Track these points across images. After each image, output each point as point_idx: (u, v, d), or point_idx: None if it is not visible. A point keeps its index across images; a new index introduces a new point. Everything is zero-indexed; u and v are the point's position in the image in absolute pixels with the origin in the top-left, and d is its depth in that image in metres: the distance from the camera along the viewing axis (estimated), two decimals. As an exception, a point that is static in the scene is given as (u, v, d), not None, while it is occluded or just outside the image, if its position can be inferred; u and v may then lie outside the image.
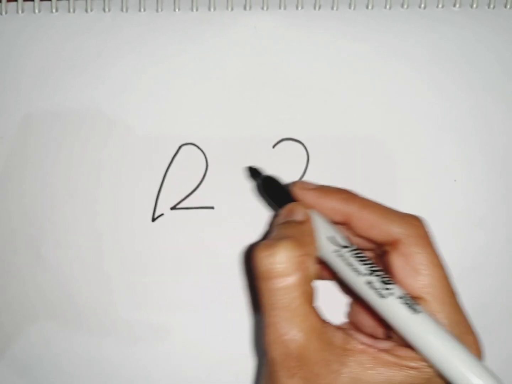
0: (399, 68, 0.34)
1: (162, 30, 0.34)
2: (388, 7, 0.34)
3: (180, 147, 0.34)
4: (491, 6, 0.34)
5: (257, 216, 0.34)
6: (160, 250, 0.34)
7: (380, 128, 0.33)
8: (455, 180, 0.33)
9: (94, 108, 0.34)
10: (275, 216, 0.28)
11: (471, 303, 0.25)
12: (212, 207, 0.34)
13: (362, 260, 0.24)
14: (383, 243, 0.25)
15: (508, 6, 0.34)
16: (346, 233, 0.26)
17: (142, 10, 0.34)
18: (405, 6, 0.34)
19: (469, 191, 0.33)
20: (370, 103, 0.33)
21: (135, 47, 0.34)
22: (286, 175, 0.33)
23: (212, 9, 0.34)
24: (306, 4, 0.34)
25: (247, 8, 0.34)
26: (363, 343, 0.23)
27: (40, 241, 0.34)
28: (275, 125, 0.34)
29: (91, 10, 0.34)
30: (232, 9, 0.34)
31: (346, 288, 0.30)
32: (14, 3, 0.34)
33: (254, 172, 0.32)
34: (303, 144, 0.34)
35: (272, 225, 0.28)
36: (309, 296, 0.23)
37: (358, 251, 0.24)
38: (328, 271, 0.27)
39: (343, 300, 0.32)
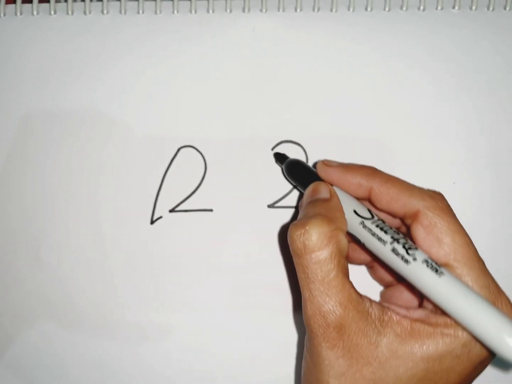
0: (398, 70, 0.33)
1: (161, 33, 0.34)
2: (387, 9, 0.34)
3: (178, 150, 0.34)
4: (491, 8, 0.34)
5: (256, 218, 0.33)
6: (159, 252, 0.34)
7: (379, 130, 0.33)
8: (454, 183, 0.33)
9: (92, 110, 0.34)
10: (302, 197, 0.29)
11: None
12: (211, 210, 0.34)
13: (385, 229, 0.25)
14: (405, 216, 0.25)
15: (507, 8, 0.34)
16: (369, 207, 0.27)
17: (140, 12, 0.34)
18: (404, 8, 0.34)
19: (468, 193, 0.33)
20: (369, 105, 0.33)
21: (134, 49, 0.34)
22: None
23: (210, 11, 0.34)
24: (305, 6, 0.34)
25: (246, 10, 0.34)
26: (398, 314, 0.23)
27: (39, 242, 0.34)
28: (274, 127, 0.34)
29: (90, 13, 0.34)
30: (230, 11, 0.34)
31: (376, 273, 0.31)
32: (13, 5, 0.34)
33: (280, 157, 0.32)
34: (302, 146, 0.34)
35: (300, 206, 0.28)
36: (343, 268, 0.24)
37: (381, 222, 0.25)
38: (358, 248, 0.29)
39: (375, 288, 0.32)
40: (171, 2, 0.34)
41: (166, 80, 0.34)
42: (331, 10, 0.34)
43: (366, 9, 0.34)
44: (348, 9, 0.34)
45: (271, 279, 0.34)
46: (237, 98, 0.34)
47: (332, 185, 0.28)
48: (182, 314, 0.34)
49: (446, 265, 0.23)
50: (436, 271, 0.23)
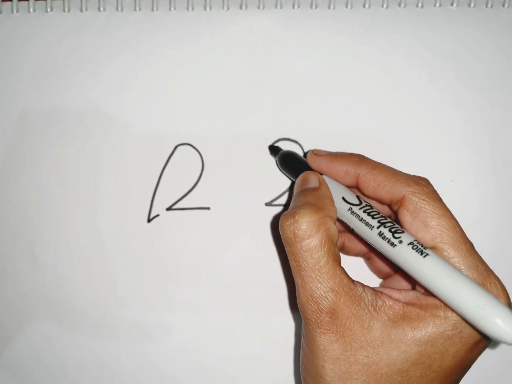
0: (396, 68, 0.33)
1: (158, 30, 0.34)
2: (385, 6, 0.33)
3: (176, 147, 0.34)
4: (489, 5, 0.33)
5: (253, 216, 0.33)
6: (156, 251, 0.34)
7: (377, 127, 0.33)
8: (452, 181, 0.33)
9: (89, 108, 0.34)
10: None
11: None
12: (208, 208, 0.34)
13: (372, 214, 0.25)
14: (392, 202, 0.26)
15: (506, 5, 0.33)
16: (357, 193, 0.28)
17: (137, 9, 0.34)
18: (402, 5, 0.33)
19: (466, 191, 0.33)
20: (367, 103, 0.33)
21: (131, 47, 0.34)
22: (283, 175, 0.33)
23: (208, 8, 0.34)
24: (302, 3, 0.34)
25: (243, 7, 0.34)
26: (391, 298, 0.24)
27: (35, 241, 0.34)
28: (272, 125, 0.33)
29: (86, 10, 0.34)
30: (228, 8, 0.34)
31: (374, 265, 0.32)
32: (9, 2, 0.34)
33: (274, 150, 0.33)
34: (299, 144, 0.33)
35: (293, 196, 0.29)
36: (333, 255, 0.24)
37: (369, 207, 0.26)
38: (353, 238, 0.30)
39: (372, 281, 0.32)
40: (168, -1, 0.34)
41: (163, 77, 0.34)
42: (329, 7, 0.33)
43: (364, 6, 0.33)
44: (346, 6, 0.33)
45: (269, 277, 0.33)
46: (234, 96, 0.34)
47: (322, 174, 0.28)
48: (179, 312, 0.34)
49: (433, 248, 0.24)
50: (422, 252, 0.23)
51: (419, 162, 0.33)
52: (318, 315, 0.24)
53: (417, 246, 0.23)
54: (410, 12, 0.33)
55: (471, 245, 0.24)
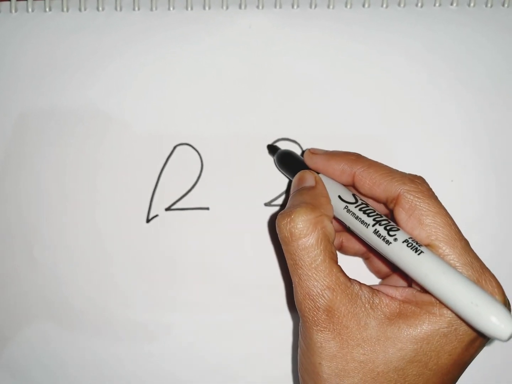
0: (396, 67, 0.33)
1: (157, 29, 0.34)
2: (384, 5, 0.33)
3: (175, 147, 0.34)
4: (489, 4, 0.33)
5: (252, 216, 0.33)
6: (155, 251, 0.33)
7: (376, 127, 0.33)
8: (452, 180, 0.33)
9: (88, 107, 0.34)
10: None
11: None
12: (207, 208, 0.33)
13: (368, 212, 0.25)
14: (387, 200, 0.26)
15: (506, 5, 0.33)
16: (354, 192, 0.28)
17: (136, 9, 0.34)
18: (402, 5, 0.33)
19: (466, 191, 0.33)
20: (366, 102, 0.33)
21: (130, 46, 0.34)
22: (282, 175, 0.33)
23: (207, 8, 0.34)
24: (301, 3, 0.33)
25: (242, 7, 0.33)
26: (387, 295, 0.24)
27: (34, 241, 0.34)
28: (271, 125, 0.33)
29: (85, 9, 0.34)
30: (227, 7, 0.34)
31: (372, 265, 0.32)
32: (7, 2, 0.34)
33: (272, 149, 0.33)
34: (298, 144, 0.33)
35: (289, 195, 0.29)
36: (330, 253, 0.24)
37: (364, 205, 0.26)
38: (351, 238, 0.31)
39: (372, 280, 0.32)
40: (167, -2, 0.34)
41: (162, 77, 0.34)
42: (328, 6, 0.33)
43: (363, 5, 0.33)
44: (346, 6, 0.33)
45: (268, 276, 0.33)
46: (233, 96, 0.33)
47: (318, 172, 0.29)
48: (178, 312, 0.34)
49: (429, 246, 0.24)
50: (416, 250, 0.23)
51: (419, 162, 0.33)
52: (315, 313, 0.24)
53: (412, 244, 0.23)
54: (409, 11, 0.33)
55: (466, 242, 0.24)
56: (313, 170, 0.29)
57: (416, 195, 0.24)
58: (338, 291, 0.24)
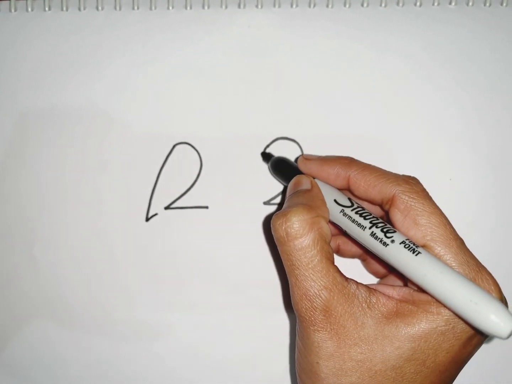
0: (394, 67, 0.33)
1: (156, 29, 0.34)
2: (383, 5, 0.33)
3: (174, 146, 0.34)
4: (487, 4, 0.33)
5: (251, 215, 0.33)
6: (154, 250, 0.34)
7: (375, 126, 0.33)
8: (450, 179, 0.33)
9: (88, 107, 0.34)
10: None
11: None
12: (207, 207, 0.34)
13: (364, 215, 0.26)
14: (382, 202, 0.26)
15: (504, 4, 0.33)
16: (349, 196, 0.28)
17: (135, 8, 0.34)
18: (401, 4, 0.33)
19: (465, 190, 0.33)
20: (365, 102, 0.33)
21: (129, 45, 0.34)
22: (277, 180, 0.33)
23: (206, 7, 0.34)
24: (300, 2, 0.34)
25: (242, 6, 0.34)
26: (384, 295, 0.24)
27: (34, 241, 0.34)
28: (270, 124, 0.33)
29: (84, 8, 0.34)
30: (226, 7, 0.34)
31: (370, 266, 0.32)
32: (7, 1, 0.34)
33: (266, 156, 0.33)
34: (297, 143, 0.33)
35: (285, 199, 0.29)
36: (327, 253, 0.24)
37: (360, 208, 0.26)
38: (348, 241, 0.31)
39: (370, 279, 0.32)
40: (166, -2, 0.34)
41: (161, 76, 0.34)
42: (327, 6, 0.33)
43: (362, 5, 0.33)
44: (344, 5, 0.33)
45: (267, 275, 0.33)
46: (232, 95, 0.34)
47: (313, 178, 0.29)
48: (177, 311, 0.34)
49: (424, 246, 0.24)
50: (414, 251, 0.23)
51: (417, 161, 0.33)
52: (312, 313, 0.24)
53: (409, 245, 0.23)
54: (408, 11, 0.33)
55: (461, 241, 0.24)
56: (308, 175, 0.29)
57: (411, 196, 0.25)
58: (335, 291, 0.24)
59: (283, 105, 0.33)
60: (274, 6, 0.34)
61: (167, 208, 0.34)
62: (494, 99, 0.33)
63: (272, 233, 0.25)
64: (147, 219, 0.34)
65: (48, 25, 0.34)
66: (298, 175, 0.29)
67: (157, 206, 0.34)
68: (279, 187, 0.33)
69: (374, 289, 0.24)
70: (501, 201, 0.33)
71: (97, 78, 0.34)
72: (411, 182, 0.25)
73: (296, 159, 0.32)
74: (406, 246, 0.23)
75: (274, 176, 0.33)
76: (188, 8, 0.34)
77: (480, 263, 0.24)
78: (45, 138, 0.34)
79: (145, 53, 0.34)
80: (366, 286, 0.25)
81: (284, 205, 0.27)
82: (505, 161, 0.33)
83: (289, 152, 0.33)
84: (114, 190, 0.34)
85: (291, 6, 0.34)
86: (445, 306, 0.22)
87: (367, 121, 0.33)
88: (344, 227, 0.27)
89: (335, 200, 0.27)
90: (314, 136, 0.33)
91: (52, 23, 0.34)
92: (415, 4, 0.33)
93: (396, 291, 0.25)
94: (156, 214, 0.34)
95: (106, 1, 0.34)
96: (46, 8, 0.34)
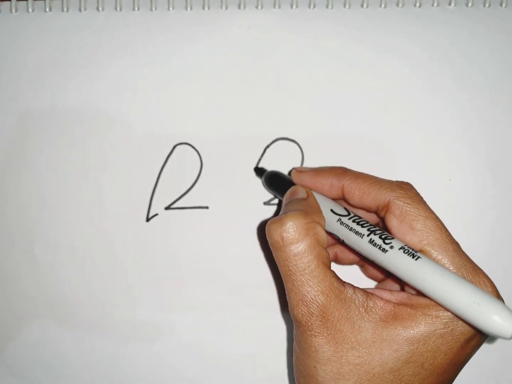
0: (394, 67, 0.33)
1: (156, 29, 0.34)
2: (383, 5, 0.33)
3: (174, 147, 0.34)
4: (487, 4, 0.33)
5: (251, 215, 0.34)
6: (155, 250, 0.34)
7: (374, 127, 0.33)
8: (449, 179, 0.33)
9: (88, 108, 0.34)
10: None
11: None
12: (207, 207, 0.34)
13: (362, 223, 0.26)
14: (378, 208, 0.26)
15: (503, 5, 0.33)
16: (344, 205, 0.28)
17: (136, 9, 0.34)
18: (400, 5, 0.33)
19: (464, 190, 0.33)
20: (365, 102, 0.33)
21: (129, 46, 0.34)
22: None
23: (206, 8, 0.34)
24: (300, 3, 0.34)
25: (242, 7, 0.34)
26: (382, 298, 0.24)
27: (35, 241, 0.34)
28: (270, 125, 0.34)
29: (85, 9, 0.34)
30: (226, 8, 0.34)
31: (368, 271, 0.32)
32: (8, 2, 0.34)
33: (259, 171, 0.33)
34: (297, 144, 0.34)
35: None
36: (323, 258, 0.24)
37: (357, 217, 0.26)
38: (346, 250, 0.31)
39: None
40: (166, -1, 0.34)
41: (161, 77, 0.34)
42: (327, 7, 0.34)
43: (362, 6, 0.33)
44: (344, 6, 0.34)
45: (267, 276, 0.34)
46: (233, 95, 0.34)
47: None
48: (178, 311, 0.34)
49: (421, 251, 0.24)
50: (413, 255, 0.23)
51: (417, 161, 0.33)
52: (308, 318, 0.24)
53: (408, 250, 0.23)
54: (408, 11, 0.34)
55: (457, 245, 0.24)
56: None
57: (406, 201, 0.25)
58: (331, 296, 0.24)
59: (283, 106, 0.33)
60: (274, 6, 0.34)
61: (167, 208, 0.34)
62: (493, 100, 0.33)
63: (267, 238, 0.25)
64: (148, 219, 0.34)
65: (48, 26, 0.34)
66: (293, 186, 0.29)
67: (158, 206, 0.34)
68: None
69: (372, 293, 0.25)
70: (500, 201, 0.33)
71: (98, 79, 0.34)
72: (405, 187, 0.26)
73: (290, 172, 0.32)
74: (406, 251, 0.23)
75: (268, 190, 0.33)
76: (189, 9, 0.34)
77: (476, 266, 0.24)
78: (45, 139, 0.34)
79: (146, 53, 0.34)
80: (363, 290, 0.25)
81: (280, 214, 0.27)
82: (504, 161, 0.33)
83: (289, 153, 0.33)
84: (114, 190, 0.34)
85: (291, 6, 0.34)
86: (446, 308, 0.23)
87: (367, 121, 0.33)
88: (341, 236, 0.27)
89: (331, 210, 0.27)
90: (314, 137, 0.33)
91: (52, 24, 0.34)
92: (415, 5, 0.34)
93: (394, 295, 0.25)
94: (156, 214, 0.34)
95: (107, 2, 0.34)
96: (47, 9, 0.34)
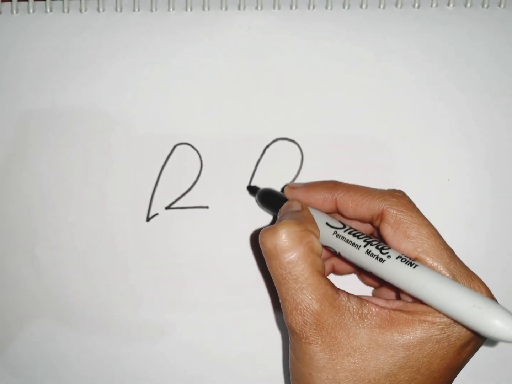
0: (393, 68, 0.34)
1: (156, 30, 0.34)
2: (382, 6, 0.34)
3: (174, 147, 0.34)
4: (485, 5, 0.34)
5: (251, 215, 0.34)
6: (155, 250, 0.34)
7: (373, 127, 0.33)
8: (448, 179, 0.33)
9: (88, 108, 0.34)
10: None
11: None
12: (207, 207, 0.34)
13: (358, 235, 0.26)
14: (372, 218, 0.26)
15: (502, 6, 0.34)
16: (339, 218, 0.28)
17: (136, 10, 0.34)
18: (399, 6, 0.34)
19: (463, 190, 0.33)
20: (364, 103, 0.33)
21: (129, 47, 0.34)
22: (280, 174, 0.34)
23: (206, 9, 0.34)
24: (300, 4, 0.34)
25: (241, 7, 0.34)
26: (377, 305, 0.24)
27: (36, 241, 0.34)
28: (270, 125, 0.34)
29: (85, 10, 0.34)
30: (226, 8, 0.34)
31: (365, 279, 0.32)
32: (9, 3, 0.34)
33: (252, 189, 0.33)
34: (297, 144, 0.34)
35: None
36: (317, 266, 0.24)
37: (352, 229, 0.27)
38: (342, 262, 0.31)
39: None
40: (166, -1, 0.34)
41: (162, 77, 0.34)
42: (326, 7, 0.34)
43: (361, 6, 0.34)
44: (343, 7, 0.34)
45: (267, 276, 0.34)
46: (232, 96, 0.34)
47: None
48: (178, 311, 0.34)
49: (416, 259, 0.24)
50: (411, 264, 0.23)
51: (416, 162, 0.33)
52: (302, 326, 0.24)
53: (406, 259, 0.24)
54: (406, 12, 0.34)
55: (451, 251, 0.25)
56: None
57: (399, 209, 0.25)
58: (325, 304, 0.24)
59: (283, 106, 0.34)
60: (274, 7, 0.34)
61: (167, 208, 0.34)
62: (492, 100, 0.33)
63: (260, 247, 0.25)
64: (148, 219, 0.34)
65: (49, 26, 0.34)
66: (288, 200, 0.29)
67: (158, 206, 0.34)
68: (279, 187, 0.34)
69: (367, 300, 0.25)
70: (498, 201, 0.33)
71: (98, 79, 0.34)
72: (397, 195, 0.26)
73: (282, 189, 0.32)
74: (403, 260, 0.24)
75: (262, 208, 0.33)
76: (189, 9, 0.34)
77: (471, 272, 0.24)
78: (46, 139, 0.34)
79: (146, 54, 0.34)
80: (358, 297, 0.25)
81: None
82: (502, 161, 0.33)
83: (288, 153, 0.34)
84: (115, 190, 0.34)
85: (291, 7, 0.34)
86: (445, 314, 0.23)
87: (366, 122, 0.33)
88: (337, 249, 0.27)
89: (327, 223, 0.27)
90: (314, 137, 0.34)
91: (53, 25, 0.34)
92: (414, 6, 0.34)
93: (389, 304, 0.25)
94: (156, 214, 0.34)
95: (107, 3, 0.34)
96: (48, 10, 0.34)
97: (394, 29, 0.34)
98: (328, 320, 0.24)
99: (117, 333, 0.34)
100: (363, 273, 0.32)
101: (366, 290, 0.32)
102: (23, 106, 0.34)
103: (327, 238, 0.27)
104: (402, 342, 0.23)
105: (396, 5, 0.34)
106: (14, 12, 0.34)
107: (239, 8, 0.34)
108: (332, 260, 0.31)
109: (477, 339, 0.24)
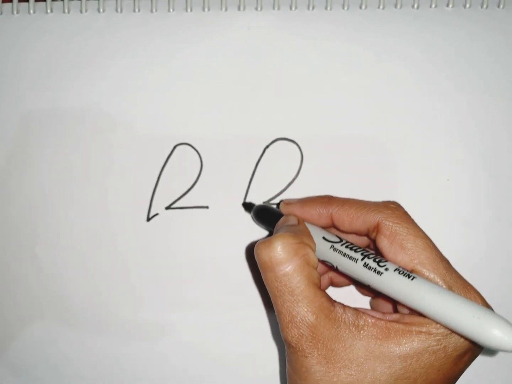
0: (392, 68, 0.34)
1: (156, 31, 0.34)
2: (381, 7, 0.34)
3: (174, 147, 0.34)
4: (484, 6, 0.34)
5: (251, 215, 0.34)
6: (155, 250, 0.34)
7: (373, 127, 0.34)
8: (447, 180, 0.33)
9: (89, 109, 0.34)
10: None
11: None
12: (207, 207, 0.34)
13: (355, 248, 0.26)
14: (368, 231, 0.26)
15: (501, 6, 0.34)
16: (335, 232, 0.28)
17: (136, 10, 0.34)
18: (398, 6, 0.34)
19: (462, 190, 0.33)
20: (364, 103, 0.34)
21: (129, 48, 0.34)
22: (280, 174, 0.34)
23: (206, 10, 0.34)
24: (300, 4, 0.34)
25: (241, 8, 0.34)
26: (373, 317, 0.24)
27: (36, 241, 0.34)
28: (269, 125, 0.34)
29: (86, 11, 0.34)
30: (226, 9, 0.34)
31: (362, 291, 0.32)
32: (9, 4, 0.34)
33: (247, 206, 0.33)
34: (297, 144, 0.34)
35: None
36: (313, 279, 0.24)
37: (349, 243, 0.27)
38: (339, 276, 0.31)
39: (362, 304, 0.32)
40: (166, 0, 0.34)
41: (162, 78, 0.34)
42: (326, 8, 0.34)
43: (360, 7, 0.34)
44: (343, 7, 0.34)
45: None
46: (232, 96, 0.34)
47: None
48: (178, 311, 0.34)
49: (413, 271, 0.24)
50: (409, 276, 0.23)
51: (415, 162, 0.33)
52: (298, 339, 0.24)
53: (403, 271, 0.24)
54: (406, 13, 0.34)
55: (447, 262, 0.25)
56: None
57: (395, 221, 0.25)
58: (321, 316, 0.24)
59: (283, 106, 0.34)
60: (274, 8, 0.34)
61: (168, 208, 0.34)
62: (491, 101, 0.33)
63: (256, 259, 0.25)
64: (148, 219, 0.34)
65: (50, 27, 0.34)
66: (285, 215, 0.29)
67: (158, 206, 0.34)
68: (279, 187, 0.34)
69: (363, 312, 0.24)
70: (498, 200, 0.33)
71: (99, 80, 0.34)
72: (392, 207, 0.26)
73: (278, 205, 0.33)
74: (401, 272, 0.24)
75: (258, 224, 0.33)
76: (189, 10, 0.34)
77: (467, 282, 0.24)
78: (47, 139, 0.34)
79: (146, 55, 0.34)
80: (354, 309, 0.25)
81: None
82: (501, 162, 0.33)
83: (288, 153, 0.34)
84: (115, 190, 0.34)
85: (290, 8, 0.34)
86: (444, 325, 0.23)
87: (366, 122, 0.34)
88: (335, 263, 0.27)
89: (323, 238, 0.27)
90: (313, 137, 0.34)
91: (54, 25, 0.34)
92: (413, 6, 0.34)
93: (386, 316, 0.25)
94: (157, 214, 0.34)
95: (107, 4, 0.34)
96: (48, 10, 0.34)
97: (394, 30, 0.34)
98: (324, 333, 0.24)
99: (117, 333, 0.34)
100: (360, 287, 0.32)
101: (363, 302, 0.32)
102: (24, 106, 0.34)
103: (324, 253, 0.27)
104: (399, 353, 0.23)
105: (395, 6, 0.34)
106: (15, 12, 0.34)
107: (239, 8, 0.34)
108: (330, 273, 0.31)
109: (473, 350, 0.24)
